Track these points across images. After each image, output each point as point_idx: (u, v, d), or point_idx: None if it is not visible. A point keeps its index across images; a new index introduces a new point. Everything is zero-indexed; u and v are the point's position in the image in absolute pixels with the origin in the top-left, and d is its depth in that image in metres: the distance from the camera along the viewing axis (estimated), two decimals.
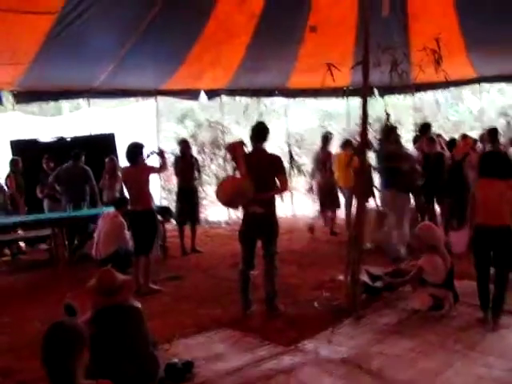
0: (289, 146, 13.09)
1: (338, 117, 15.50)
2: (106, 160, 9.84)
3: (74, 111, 13.32)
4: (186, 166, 9.21)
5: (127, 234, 7.38)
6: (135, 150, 7.05)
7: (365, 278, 6.08)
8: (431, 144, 8.83)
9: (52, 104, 13.55)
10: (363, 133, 5.82)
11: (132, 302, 4.25)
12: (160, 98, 12.47)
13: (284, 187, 5.79)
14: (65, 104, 14.95)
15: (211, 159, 12.64)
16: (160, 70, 11.08)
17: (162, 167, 7.32)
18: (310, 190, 11.16)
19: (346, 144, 10.32)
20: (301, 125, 14.96)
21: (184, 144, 9.45)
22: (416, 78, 5.88)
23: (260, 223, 5.65)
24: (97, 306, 4.17)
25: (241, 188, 5.50)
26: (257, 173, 5.56)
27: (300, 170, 12.66)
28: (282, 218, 12.18)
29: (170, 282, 7.43)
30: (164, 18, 8.96)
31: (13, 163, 9.91)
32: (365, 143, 5.73)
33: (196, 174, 9.54)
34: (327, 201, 10.65)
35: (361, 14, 9.06)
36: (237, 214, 12.60)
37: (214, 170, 12.64)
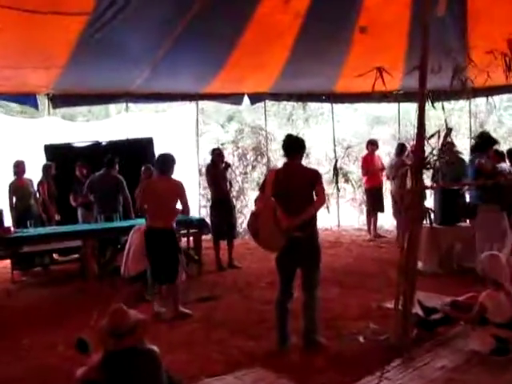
0: (335, 153, 12.44)
1: (387, 122, 14.73)
2: (142, 169, 9.35)
3: (113, 116, 12.87)
4: (218, 175, 8.65)
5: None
6: (172, 161, 6.48)
7: (418, 309, 5.38)
8: (499, 158, 7.97)
9: (92, 108, 13.23)
10: (418, 146, 5.14)
11: (147, 345, 3.70)
12: (202, 102, 12.04)
13: (320, 200, 5.06)
14: (102, 108, 14.64)
15: (253, 166, 12.08)
16: (200, 73, 10.58)
17: None
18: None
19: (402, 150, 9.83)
20: (349, 130, 14.23)
21: (216, 153, 8.88)
22: (485, 83, 5.16)
23: (298, 248, 5.01)
24: (108, 348, 3.64)
25: (270, 231, 4.95)
26: (289, 193, 4.98)
27: (347, 179, 12.06)
28: (326, 231, 11.75)
29: (201, 303, 6.87)
30: (203, 18, 8.43)
31: (45, 169, 9.56)
32: (421, 160, 5.04)
33: (228, 184, 8.97)
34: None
35: (415, 14, 8.37)
36: None
37: (255, 177, 12.08)
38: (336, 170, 10.96)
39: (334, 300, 6.70)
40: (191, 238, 8.85)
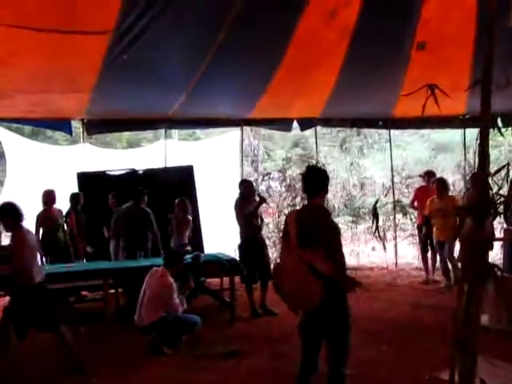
0: (393, 183, 11.33)
1: (454, 149, 13.47)
2: (176, 201, 8.59)
3: (149, 143, 12.20)
4: (248, 212, 7.62)
5: (176, 297, 6.00)
6: None
7: None
8: None
9: (125, 135, 12.64)
10: (479, 181, 4.06)
11: None
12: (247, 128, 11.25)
13: (329, 267, 3.87)
14: (139, 135, 14.03)
15: (302, 198, 11.08)
16: (243, 97, 9.77)
17: None
18: None
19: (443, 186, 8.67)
20: (409, 159, 13.04)
21: (244, 186, 7.93)
22: None
23: (320, 313, 4.01)
24: None
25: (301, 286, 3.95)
26: (307, 243, 3.98)
27: (405, 213, 10.92)
28: (382, 270, 10.62)
29: (224, 360, 5.89)
30: (240, 36, 7.63)
31: (73, 198, 8.94)
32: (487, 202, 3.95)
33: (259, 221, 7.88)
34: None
35: (481, 25, 7.27)
36: None
37: None
38: (394, 203, 9.98)
39: (378, 362, 5.62)
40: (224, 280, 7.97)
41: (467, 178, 11.08)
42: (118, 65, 7.84)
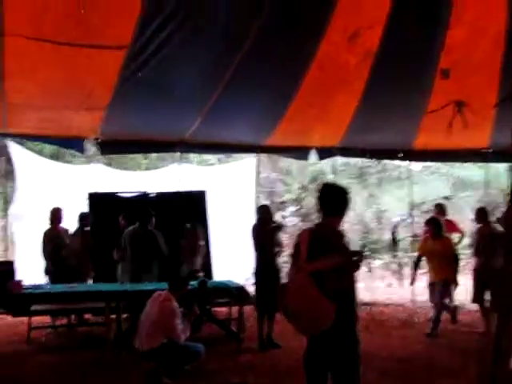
0: (412, 217, 10.97)
1: (473, 186, 13.10)
2: (188, 226, 8.32)
3: (163, 166, 11.98)
4: (265, 237, 7.35)
5: (180, 324, 5.67)
6: None
7: None
8: None
9: (139, 157, 12.45)
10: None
11: None
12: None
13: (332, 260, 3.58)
14: (154, 157, 13.85)
15: None
16: (259, 122, 9.53)
17: None
18: None
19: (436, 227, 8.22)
20: (428, 194, 12.67)
21: (262, 211, 7.63)
22: None
23: (329, 338, 3.65)
24: None
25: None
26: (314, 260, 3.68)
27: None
28: (399, 307, 10.19)
29: None
30: (256, 58, 7.45)
31: (81, 218, 8.71)
32: None
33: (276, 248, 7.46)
34: None
35: (509, 52, 7.02)
36: None
37: None
38: (412, 237, 9.58)
39: None
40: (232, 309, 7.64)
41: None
42: (134, 82, 7.70)
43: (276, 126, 9.45)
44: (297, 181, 15.30)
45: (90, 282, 8.77)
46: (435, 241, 8.17)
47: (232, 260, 10.03)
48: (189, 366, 5.93)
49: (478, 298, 8.17)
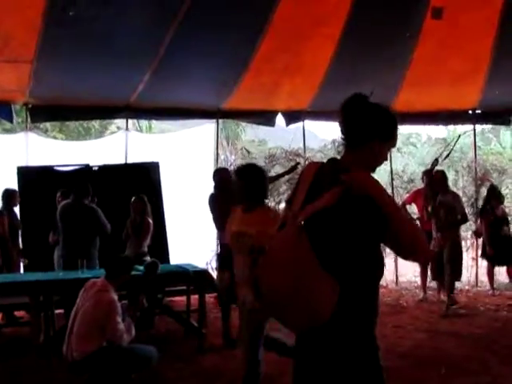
0: (392, 188, 9.76)
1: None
2: (132, 200, 6.91)
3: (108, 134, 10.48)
4: (226, 208, 5.91)
5: (121, 322, 4.27)
6: None
7: None
8: None
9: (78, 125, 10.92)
10: None
11: None
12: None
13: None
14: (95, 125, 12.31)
15: (287, 202, 9.41)
16: (219, 81, 8.18)
17: None
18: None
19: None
20: (411, 160, 11.46)
21: (221, 174, 6.25)
22: None
23: (325, 341, 2.18)
24: None
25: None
26: None
27: None
28: (382, 289, 8.93)
29: None
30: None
31: (6, 196, 7.18)
32: None
33: None
34: None
35: None
36: None
37: None
38: None
39: None
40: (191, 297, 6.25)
41: (478, 182, 9.59)
42: (63, 25, 6.27)
43: (238, 81, 8.11)
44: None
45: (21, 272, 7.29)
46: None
47: (191, 241, 8.68)
48: (136, 375, 4.56)
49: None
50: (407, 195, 9.24)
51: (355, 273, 2.13)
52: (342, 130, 2.33)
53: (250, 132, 20.39)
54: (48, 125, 12.39)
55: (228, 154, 13.03)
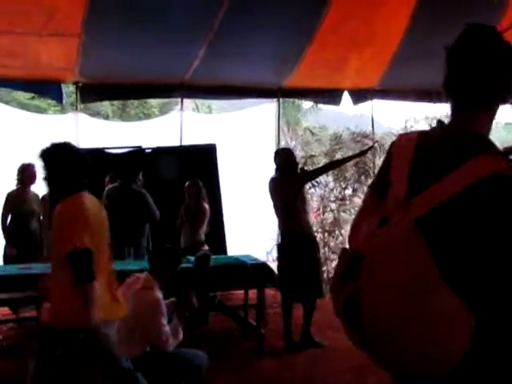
0: None
1: None
2: (186, 184, 6.33)
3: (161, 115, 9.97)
4: (289, 193, 5.23)
5: (166, 324, 3.68)
6: None
7: None
8: None
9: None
10: None
11: None
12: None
13: None
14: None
15: (354, 189, 8.68)
16: (280, 57, 7.50)
17: None
18: None
19: None
20: None
21: (284, 155, 5.52)
22: None
23: None
24: None
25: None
26: None
27: None
28: None
29: None
30: None
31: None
32: None
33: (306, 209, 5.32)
34: None
35: None
36: None
37: (357, 204, 8.69)
38: None
39: None
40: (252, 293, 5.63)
41: None
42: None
43: (300, 57, 7.41)
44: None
45: None
46: None
47: (250, 229, 8.08)
48: None
49: None
50: None
51: (499, 295, 1.39)
52: (452, 82, 1.60)
53: (311, 118, 19.66)
54: (108, 109, 12.03)
55: (288, 140, 12.39)
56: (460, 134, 1.53)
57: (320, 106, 14.10)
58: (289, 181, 5.19)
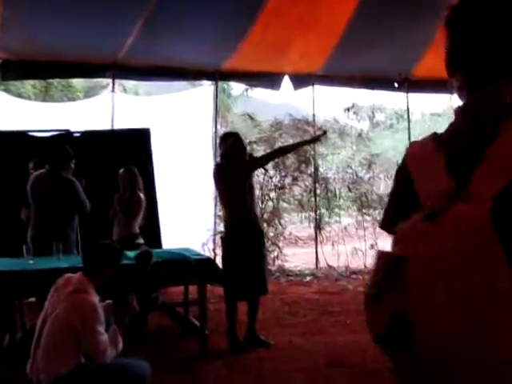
0: None
1: None
2: (120, 172, 5.81)
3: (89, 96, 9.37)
4: (237, 180, 4.85)
5: (103, 331, 3.22)
6: None
7: None
8: None
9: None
10: None
11: None
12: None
13: None
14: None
15: (294, 178, 8.39)
16: (219, 38, 7.11)
17: None
18: None
19: None
20: (430, 132, 10.41)
21: (230, 141, 5.07)
22: None
23: None
24: None
25: None
26: None
27: None
28: None
29: None
30: None
31: None
32: None
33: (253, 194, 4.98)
34: None
35: None
36: (327, 260, 8.43)
37: (297, 194, 8.43)
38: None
39: None
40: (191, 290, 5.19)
41: None
42: None
43: (242, 37, 7.03)
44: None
45: None
46: None
47: (184, 219, 7.66)
48: None
49: None
50: None
51: None
52: (463, 53, 1.29)
53: (240, 106, 19.38)
54: (30, 92, 11.23)
55: (219, 127, 12.03)
56: (487, 110, 1.23)
57: (249, 93, 13.81)
58: (237, 168, 4.80)
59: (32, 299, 5.02)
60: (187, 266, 4.51)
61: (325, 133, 5.86)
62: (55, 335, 3.18)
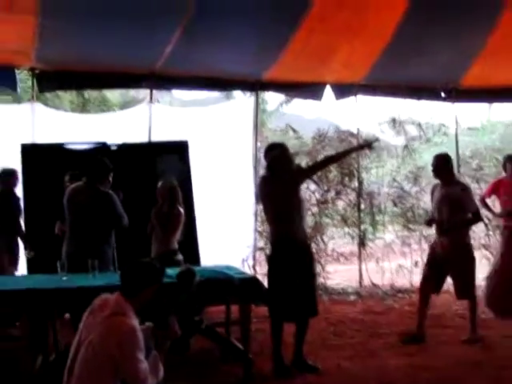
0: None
1: None
2: (159, 185, 5.59)
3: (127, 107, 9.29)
4: (283, 194, 4.50)
5: (142, 358, 2.93)
6: None
7: None
8: None
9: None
10: None
11: None
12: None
13: None
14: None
15: (337, 192, 8.10)
16: (261, 43, 6.91)
17: None
18: None
19: None
20: (480, 144, 10.07)
21: (278, 150, 4.67)
22: None
23: None
24: None
25: None
26: None
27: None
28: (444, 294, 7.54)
29: None
30: None
31: (5, 176, 6.09)
32: None
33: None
34: None
35: None
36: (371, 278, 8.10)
37: (340, 209, 8.12)
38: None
39: None
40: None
41: None
42: None
43: (284, 46, 6.84)
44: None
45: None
46: None
47: (223, 235, 7.47)
48: None
49: None
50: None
51: None
52: None
53: (274, 121, 19.43)
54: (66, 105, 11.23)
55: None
56: None
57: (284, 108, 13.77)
58: (284, 179, 4.52)
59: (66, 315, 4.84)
60: (230, 285, 4.23)
61: (377, 140, 5.59)
62: (90, 362, 2.91)
